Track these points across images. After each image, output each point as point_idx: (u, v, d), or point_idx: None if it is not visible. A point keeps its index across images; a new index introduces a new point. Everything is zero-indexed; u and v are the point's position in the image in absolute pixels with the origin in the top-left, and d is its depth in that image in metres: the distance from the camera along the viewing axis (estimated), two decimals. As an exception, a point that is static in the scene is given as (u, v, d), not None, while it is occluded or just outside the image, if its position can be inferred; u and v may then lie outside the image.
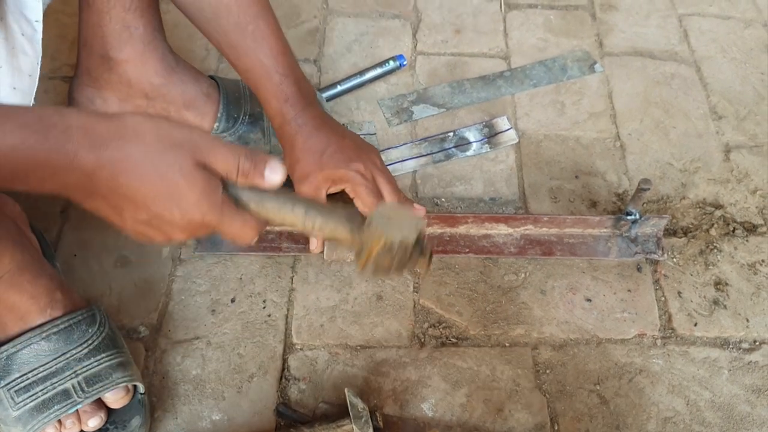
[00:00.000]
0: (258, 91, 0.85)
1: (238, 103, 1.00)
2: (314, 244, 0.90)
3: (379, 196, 0.85)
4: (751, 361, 0.88)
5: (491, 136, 1.10)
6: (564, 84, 1.19)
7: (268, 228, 0.95)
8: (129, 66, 0.93)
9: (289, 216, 0.59)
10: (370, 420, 0.76)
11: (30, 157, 0.51)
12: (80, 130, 0.52)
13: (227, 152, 0.56)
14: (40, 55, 0.72)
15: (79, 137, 0.52)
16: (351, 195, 0.86)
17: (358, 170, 0.84)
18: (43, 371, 0.74)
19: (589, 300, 0.93)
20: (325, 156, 0.84)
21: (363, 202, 0.85)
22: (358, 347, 0.88)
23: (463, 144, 1.09)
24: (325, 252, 0.89)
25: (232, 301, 0.91)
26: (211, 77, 1.01)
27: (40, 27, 0.71)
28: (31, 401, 0.73)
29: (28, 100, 0.73)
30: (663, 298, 0.93)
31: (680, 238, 0.99)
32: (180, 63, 0.97)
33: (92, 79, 0.95)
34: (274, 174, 0.57)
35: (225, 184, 0.57)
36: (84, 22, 0.92)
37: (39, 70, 0.73)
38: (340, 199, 0.95)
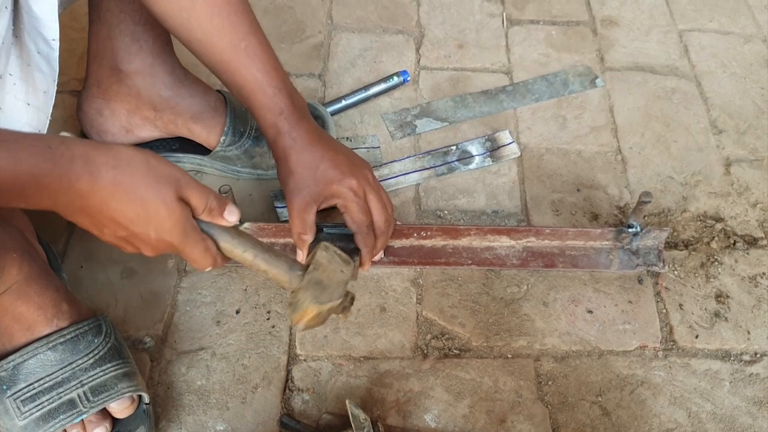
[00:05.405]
0: (252, 106, 0.85)
1: (245, 117, 1.01)
2: (300, 256, 0.90)
3: (368, 213, 0.86)
4: (752, 373, 0.89)
5: (494, 149, 1.11)
6: (566, 98, 1.20)
7: (272, 241, 0.96)
8: (138, 78, 0.94)
9: (239, 256, 0.70)
10: (372, 430, 0.77)
11: (38, 181, 0.58)
12: (81, 159, 0.60)
13: (201, 190, 0.67)
14: (57, 72, 0.73)
15: (81, 165, 0.59)
16: (341, 210, 0.87)
17: (351, 187, 0.85)
18: (49, 381, 0.74)
19: (590, 312, 0.94)
20: (319, 171, 0.84)
21: (352, 218, 0.86)
22: (362, 358, 0.88)
23: (465, 157, 1.10)
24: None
25: (237, 312, 0.92)
26: (219, 92, 1.01)
27: (57, 45, 0.72)
28: (37, 411, 0.74)
29: (44, 116, 0.74)
30: (664, 311, 0.94)
31: (681, 250, 1.00)
32: (189, 76, 0.98)
33: (101, 91, 0.96)
34: (231, 216, 0.69)
35: (194, 218, 0.68)
36: (94, 35, 0.93)
37: (55, 87, 0.74)
38: (332, 212, 0.95)
